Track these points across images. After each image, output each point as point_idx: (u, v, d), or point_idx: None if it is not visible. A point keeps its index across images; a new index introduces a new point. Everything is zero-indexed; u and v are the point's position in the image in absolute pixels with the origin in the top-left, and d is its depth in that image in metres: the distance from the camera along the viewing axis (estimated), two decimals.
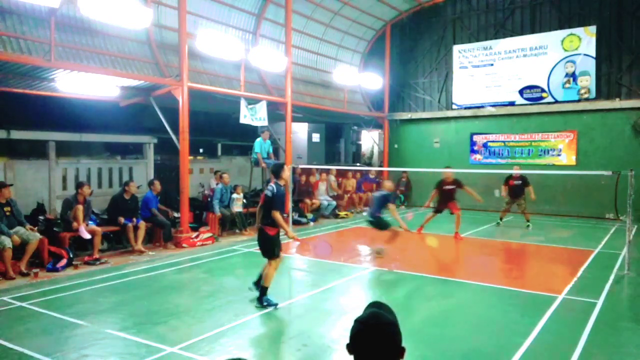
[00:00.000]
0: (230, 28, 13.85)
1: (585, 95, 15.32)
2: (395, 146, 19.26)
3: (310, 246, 10.49)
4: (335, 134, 21.85)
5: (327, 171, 16.01)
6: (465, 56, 17.46)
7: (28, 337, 5.19)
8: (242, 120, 12.51)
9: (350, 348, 1.81)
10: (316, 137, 20.04)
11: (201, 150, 18.15)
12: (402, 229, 9.24)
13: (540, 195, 13.65)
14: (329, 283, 7.41)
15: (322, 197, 15.35)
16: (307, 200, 14.86)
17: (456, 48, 17.68)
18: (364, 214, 16.31)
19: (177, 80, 10.69)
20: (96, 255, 8.89)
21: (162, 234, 10.44)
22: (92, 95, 10.96)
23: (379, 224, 9.14)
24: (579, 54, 15.33)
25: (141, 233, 9.78)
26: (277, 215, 6.20)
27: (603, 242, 10.91)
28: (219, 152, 18.40)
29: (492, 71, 16.93)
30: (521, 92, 16.42)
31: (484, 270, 8.73)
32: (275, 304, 6.22)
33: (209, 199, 12.10)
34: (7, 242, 7.54)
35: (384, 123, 19.19)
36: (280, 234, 6.42)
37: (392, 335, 1.79)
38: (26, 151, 12.05)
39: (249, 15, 14.28)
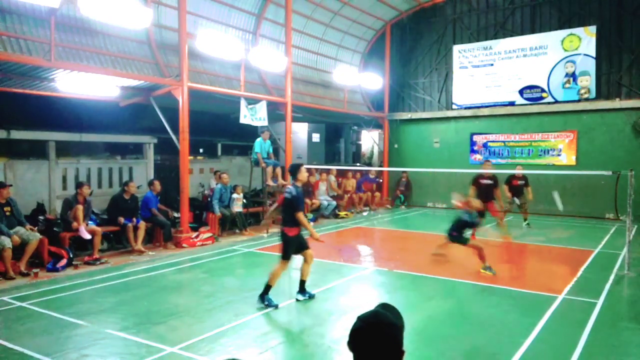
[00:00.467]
0: (230, 28, 13.85)
1: (585, 95, 15.32)
2: (395, 146, 19.26)
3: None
4: (335, 134, 21.83)
5: (327, 171, 16.01)
6: (465, 56, 17.46)
7: (28, 337, 5.19)
8: (242, 120, 12.51)
9: (350, 345, 1.81)
10: (316, 137, 20.01)
11: (201, 150, 18.16)
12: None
13: (540, 195, 13.66)
14: (329, 283, 7.41)
15: (322, 197, 15.34)
16: (307, 200, 14.84)
17: (456, 48, 17.68)
18: (364, 214, 16.33)
19: (177, 80, 10.69)
20: (96, 255, 8.89)
21: (162, 234, 10.44)
22: (92, 95, 10.96)
23: (460, 240, 8.32)
24: (579, 54, 15.33)
25: (141, 233, 9.78)
26: (300, 216, 6.30)
27: (603, 242, 10.91)
28: (219, 152, 18.40)
29: (492, 71, 16.93)
30: (521, 92, 16.41)
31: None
32: (276, 305, 6.23)
33: (209, 199, 12.10)
34: (7, 242, 7.55)
35: (384, 123, 19.19)
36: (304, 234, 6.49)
37: (391, 336, 1.78)
38: (26, 151, 12.05)
39: (249, 15, 14.28)
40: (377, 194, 18.06)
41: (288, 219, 6.34)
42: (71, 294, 6.88)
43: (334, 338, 5.29)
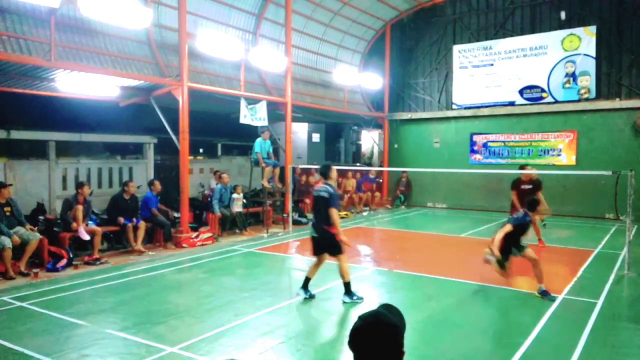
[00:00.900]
0: (230, 28, 13.85)
1: (585, 95, 15.32)
2: (395, 146, 19.26)
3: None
4: (335, 134, 21.83)
5: None
6: (465, 56, 17.45)
7: (28, 337, 5.18)
8: (242, 120, 12.51)
9: (350, 344, 1.81)
10: (316, 137, 20.00)
11: (201, 150, 18.17)
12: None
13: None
14: (329, 283, 7.40)
15: None
16: (307, 200, 14.85)
17: (456, 48, 17.67)
18: (364, 214, 16.33)
19: (177, 80, 10.69)
20: (96, 255, 8.89)
21: (162, 234, 10.44)
22: (92, 95, 10.96)
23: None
24: (579, 54, 15.33)
25: (141, 233, 9.78)
26: (335, 213, 6.32)
27: (603, 242, 10.91)
28: (219, 152, 18.41)
29: (492, 71, 16.93)
30: (521, 92, 16.41)
31: (484, 270, 8.72)
32: (361, 298, 6.45)
33: (209, 199, 12.10)
34: (7, 242, 7.55)
35: (384, 123, 19.19)
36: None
37: (390, 337, 1.78)
38: (26, 151, 12.06)
39: (249, 15, 14.28)
40: (377, 194, 18.06)
41: (328, 217, 6.32)
42: (71, 294, 6.88)
43: (334, 338, 5.29)
